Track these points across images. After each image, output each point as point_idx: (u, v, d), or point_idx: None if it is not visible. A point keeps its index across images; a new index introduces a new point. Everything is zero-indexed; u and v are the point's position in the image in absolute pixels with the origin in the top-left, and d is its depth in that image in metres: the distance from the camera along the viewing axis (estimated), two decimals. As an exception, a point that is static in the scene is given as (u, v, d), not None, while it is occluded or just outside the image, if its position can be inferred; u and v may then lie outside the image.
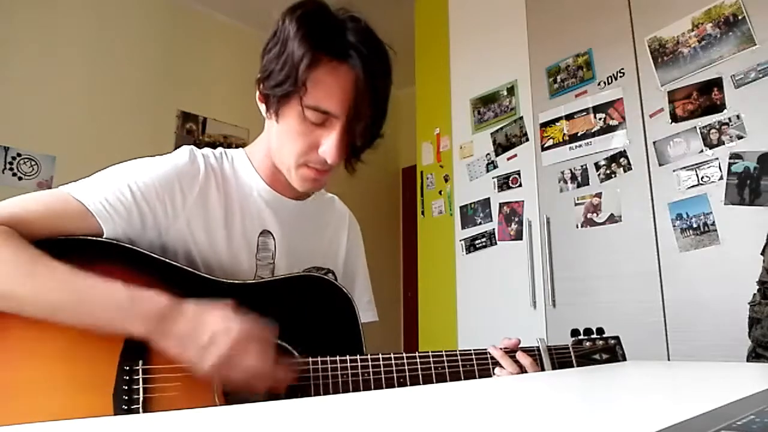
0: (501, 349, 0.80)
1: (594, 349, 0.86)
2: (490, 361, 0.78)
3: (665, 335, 1.61)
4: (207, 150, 0.81)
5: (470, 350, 0.78)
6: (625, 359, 0.88)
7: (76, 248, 0.65)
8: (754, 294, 1.09)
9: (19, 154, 2.54)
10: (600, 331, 0.89)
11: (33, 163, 2.57)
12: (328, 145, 0.71)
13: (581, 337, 0.88)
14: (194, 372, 0.61)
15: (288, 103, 0.70)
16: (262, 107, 0.75)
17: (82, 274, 0.60)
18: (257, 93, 0.75)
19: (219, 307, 0.63)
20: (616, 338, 0.89)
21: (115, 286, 0.60)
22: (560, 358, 0.83)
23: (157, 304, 0.60)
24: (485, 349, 0.79)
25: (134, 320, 0.59)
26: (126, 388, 0.60)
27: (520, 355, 0.79)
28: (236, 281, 0.72)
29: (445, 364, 0.74)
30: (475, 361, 0.77)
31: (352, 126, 0.71)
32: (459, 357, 0.76)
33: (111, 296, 0.59)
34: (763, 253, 1.10)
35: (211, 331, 0.60)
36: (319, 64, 0.67)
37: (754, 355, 1.05)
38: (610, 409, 0.38)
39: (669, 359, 1.59)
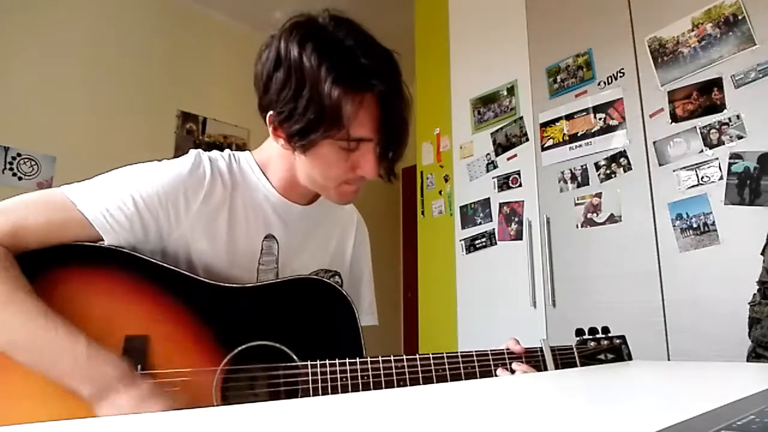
0: (506, 351, 0.79)
1: (599, 349, 0.85)
2: (492, 362, 0.78)
3: (665, 335, 1.61)
4: (215, 153, 0.80)
5: (471, 352, 0.77)
6: (631, 359, 0.87)
7: (76, 254, 0.65)
8: (754, 294, 1.09)
9: (19, 154, 2.54)
10: (605, 330, 0.87)
11: (33, 163, 2.57)
12: (368, 166, 0.72)
13: (586, 336, 0.87)
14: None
15: (318, 142, 0.68)
16: (280, 142, 0.72)
17: (51, 322, 0.58)
18: (271, 128, 0.72)
19: (170, 400, 0.60)
20: (622, 337, 0.88)
21: (79, 344, 0.58)
22: (564, 359, 0.82)
23: (111, 371, 0.58)
24: (486, 351, 0.79)
25: (83, 382, 0.57)
26: None
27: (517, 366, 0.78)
28: (235, 285, 0.72)
29: (446, 365, 0.74)
30: (476, 363, 0.76)
31: (385, 142, 0.72)
32: (460, 358, 0.75)
33: (70, 354, 0.57)
34: (763, 253, 1.10)
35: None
36: (352, 101, 0.66)
37: (754, 355, 1.05)
38: (610, 408, 0.38)
39: (669, 359, 1.59)
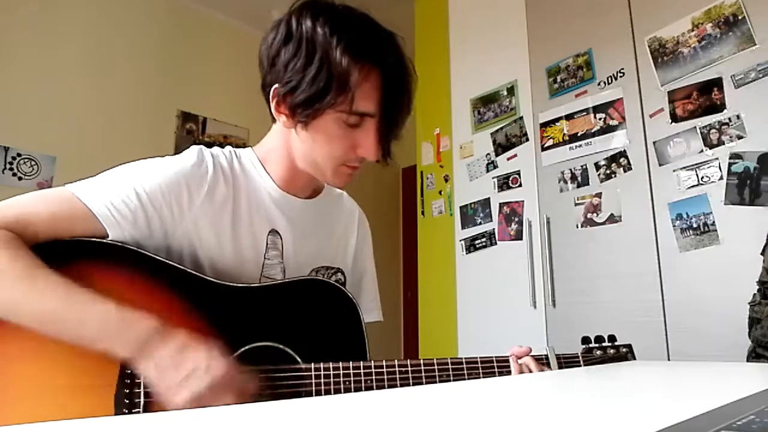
0: (511, 357, 0.79)
1: (605, 357, 0.84)
2: (496, 368, 0.78)
3: (665, 335, 1.61)
4: (216, 149, 0.80)
5: (476, 358, 0.77)
6: None
7: (83, 250, 0.65)
8: (754, 294, 1.09)
9: (19, 154, 2.54)
10: (612, 338, 0.87)
11: (33, 163, 2.57)
12: (368, 144, 0.72)
13: (592, 345, 0.86)
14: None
15: (323, 112, 0.69)
16: (281, 118, 0.73)
17: (77, 290, 0.59)
18: (273, 104, 0.72)
19: (207, 344, 0.61)
20: (628, 346, 0.87)
21: (108, 307, 0.59)
22: (569, 367, 0.82)
23: (145, 329, 0.59)
24: (491, 357, 0.78)
25: (119, 344, 0.58)
26: (127, 391, 0.60)
27: (533, 366, 0.78)
28: (240, 284, 0.71)
29: (450, 371, 0.74)
30: (480, 369, 0.76)
31: (386, 121, 0.73)
32: (464, 364, 0.75)
33: (101, 317, 0.58)
34: (763, 253, 1.10)
35: (192, 366, 0.58)
36: (360, 71, 0.68)
37: (754, 355, 1.05)
38: (609, 408, 0.38)
39: (669, 359, 1.59)
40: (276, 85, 0.71)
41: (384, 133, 0.74)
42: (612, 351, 0.86)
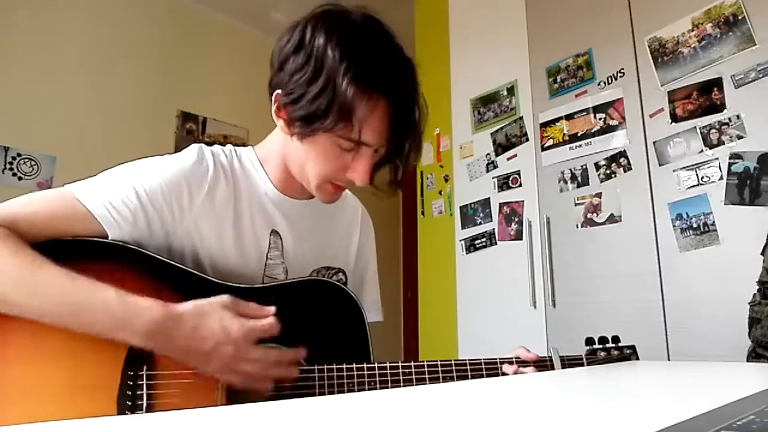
0: (517, 359, 0.79)
1: (609, 359, 0.84)
2: (500, 370, 0.77)
3: (665, 335, 1.61)
4: (217, 148, 0.79)
5: (480, 360, 0.77)
6: None
7: (82, 250, 0.65)
8: (754, 294, 1.09)
9: (19, 154, 2.54)
10: (615, 339, 0.87)
11: (33, 163, 2.57)
12: (361, 170, 0.71)
13: (596, 346, 0.86)
14: (200, 374, 0.62)
15: (320, 131, 0.68)
16: (280, 122, 0.72)
17: (80, 280, 0.59)
18: (274, 107, 0.72)
19: (215, 306, 0.63)
20: (632, 347, 0.87)
21: (110, 294, 0.59)
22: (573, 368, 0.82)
23: (154, 315, 0.59)
24: (495, 359, 0.78)
25: (131, 332, 0.58)
26: (130, 393, 0.60)
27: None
28: (243, 285, 0.71)
29: (454, 374, 0.73)
30: (484, 371, 0.76)
31: (392, 152, 0.72)
32: (468, 366, 0.75)
33: (106, 305, 0.58)
34: (763, 253, 1.10)
35: (212, 339, 0.61)
36: (367, 103, 0.66)
37: (754, 355, 1.05)
38: (610, 408, 0.38)
39: (669, 359, 1.59)
40: (279, 91, 0.70)
41: (381, 161, 0.73)
42: (616, 352, 0.85)
